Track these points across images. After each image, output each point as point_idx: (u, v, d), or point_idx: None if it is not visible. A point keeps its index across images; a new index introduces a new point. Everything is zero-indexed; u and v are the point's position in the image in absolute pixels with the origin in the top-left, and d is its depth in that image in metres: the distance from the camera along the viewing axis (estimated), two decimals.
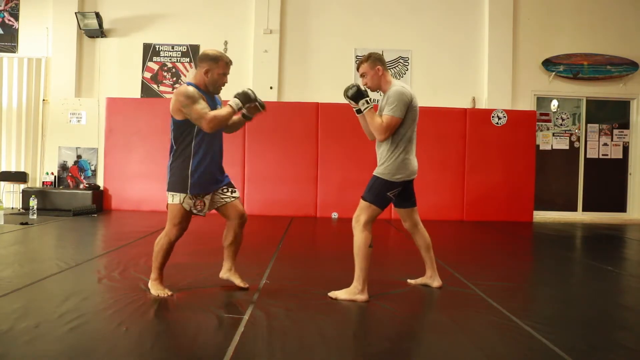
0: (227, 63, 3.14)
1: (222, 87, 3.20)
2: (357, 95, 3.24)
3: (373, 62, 3.29)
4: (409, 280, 3.68)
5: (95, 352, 2.26)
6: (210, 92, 3.16)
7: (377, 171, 3.26)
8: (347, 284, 3.24)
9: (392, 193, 3.24)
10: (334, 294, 3.22)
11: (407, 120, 3.22)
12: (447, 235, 6.54)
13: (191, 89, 3.02)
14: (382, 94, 3.36)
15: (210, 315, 2.82)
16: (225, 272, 3.41)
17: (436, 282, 3.55)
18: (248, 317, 2.78)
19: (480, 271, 4.19)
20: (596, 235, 7.10)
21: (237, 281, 3.36)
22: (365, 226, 3.18)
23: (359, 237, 3.17)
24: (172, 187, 3.11)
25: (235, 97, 3.04)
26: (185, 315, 2.83)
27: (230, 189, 3.29)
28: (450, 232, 6.84)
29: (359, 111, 3.31)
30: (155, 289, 3.18)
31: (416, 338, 2.67)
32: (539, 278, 4.41)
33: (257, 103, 3.16)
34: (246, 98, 3.03)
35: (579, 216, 8.76)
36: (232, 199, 3.27)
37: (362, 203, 3.24)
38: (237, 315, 2.82)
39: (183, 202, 3.08)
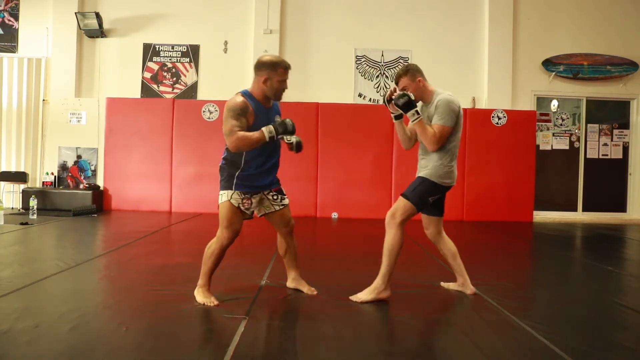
0: (286, 68, 2.99)
1: (282, 94, 3.05)
2: (407, 105, 3.08)
3: (413, 75, 3.19)
4: (442, 284, 3.62)
5: (95, 353, 2.26)
6: (269, 100, 3.05)
7: (426, 173, 3.16)
8: (347, 284, 3.23)
9: (434, 198, 3.19)
10: (356, 297, 3.13)
11: (456, 129, 3.16)
12: (447, 235, 6.52)
13: (239, 101, 2.91)
14: (423, 104, 3.26)
15: (210, 316, 2.81)
16: (292, 282, 3.38)
17: (469, 290, 3.42)
18: (248, 318, 2.77)
19: (480, 271, 4.16)
20: (596, 235, 7.09)
21: (305, 289, 3.32)
22: (400, 225, 3.09)
23: (394, 235, 3.08)
24: (221, 186, 3.05)
25: (272, 124, 2.91)
26: (185, 315, 2.82)
27: (280, 196, 3.20)
28: (450, 232, 6.75)
29: (398, 117, 3.22)
30: (201, 297, 3.03)
31: (416, 338, 2.66)
32: (539, 278, 4.40)
33: (292, 142, 3.10)
34: (283, 129, 2.90)
35: (579, 216, 8.76)
36: (281, 207, 3.20)
37: (403, 201, 3.13)
38: (237, 316, 2.80)
39: (231, 198, 3.00)
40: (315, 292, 3.29)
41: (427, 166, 3.18)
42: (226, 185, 3.01)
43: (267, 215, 3.21)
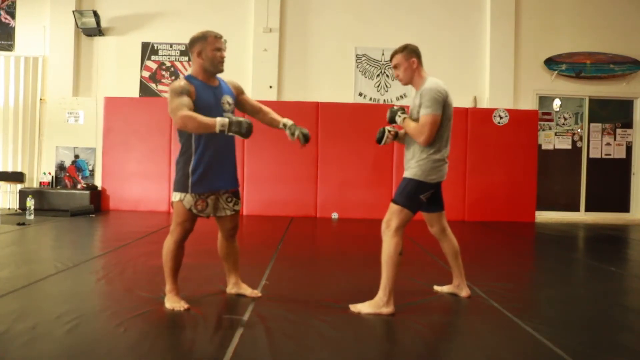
0: (216, 37, 2.93)
1: (222, 63, 2.96)
2: (392, 117, 3.20)
3: (409, 54, 3.09)
4: (435, 287, 3.52)
5: (93, 354, 2.23)
6: (212, 75, 2.98)
7: (410, 173, 3.03)
8: (347, 285, 3.19)
9: (425, 196, 3.04)
10: (355, 307, 2.99)
11: (442, 119, 3.01)
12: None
13: (180, 83, 2.84)
14: (414, 90, 3.16)
15: (209, 316, 2.78)
16: (232, 287, 3.25)
17: (464, 292, 3.35)
18: (247, 318, 2.76)
19: (481, 272, 4.15)
20: (599, 235, 7.06)
21: (248, 292, 3.20)
22: (396, 232, 2.95)
23: (390, 243, 2.94)
24: (175, 185, 2.96)
25: (229, 119, 2.72)
26: (184, 316, 2.80)
27: (234, 200, 3.10)
28: (452, 232, 6.79)
29: (396, 135, 3.23)
30: (170, 302, 2.93)
31: (417, 339, 2.62)
32: (540, 279, 4.37)
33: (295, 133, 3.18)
34: (237, 128, 2.70)
35: (582, 216, 8.73)
36: (232, 212, 3.11)
37: (393, 207, 3.00)
38: (237, 316, 2.79)
39: (184, 200, 2.91)
40: (259, 295, 3.17)
41: (411, 163, 3.06)
42: (180, 187, 2.92)
43: (217, 217, 3.10)
